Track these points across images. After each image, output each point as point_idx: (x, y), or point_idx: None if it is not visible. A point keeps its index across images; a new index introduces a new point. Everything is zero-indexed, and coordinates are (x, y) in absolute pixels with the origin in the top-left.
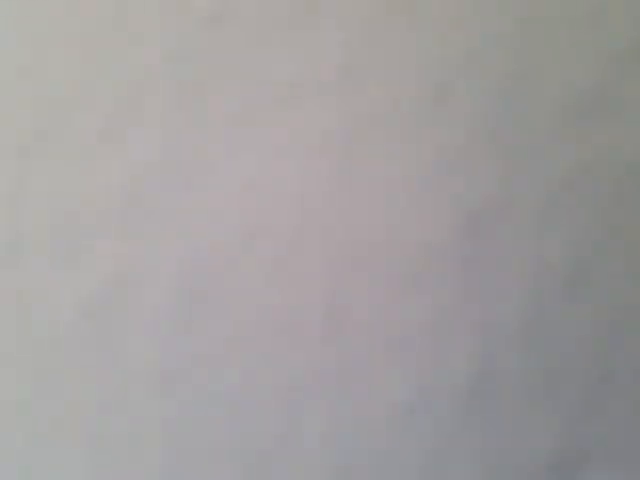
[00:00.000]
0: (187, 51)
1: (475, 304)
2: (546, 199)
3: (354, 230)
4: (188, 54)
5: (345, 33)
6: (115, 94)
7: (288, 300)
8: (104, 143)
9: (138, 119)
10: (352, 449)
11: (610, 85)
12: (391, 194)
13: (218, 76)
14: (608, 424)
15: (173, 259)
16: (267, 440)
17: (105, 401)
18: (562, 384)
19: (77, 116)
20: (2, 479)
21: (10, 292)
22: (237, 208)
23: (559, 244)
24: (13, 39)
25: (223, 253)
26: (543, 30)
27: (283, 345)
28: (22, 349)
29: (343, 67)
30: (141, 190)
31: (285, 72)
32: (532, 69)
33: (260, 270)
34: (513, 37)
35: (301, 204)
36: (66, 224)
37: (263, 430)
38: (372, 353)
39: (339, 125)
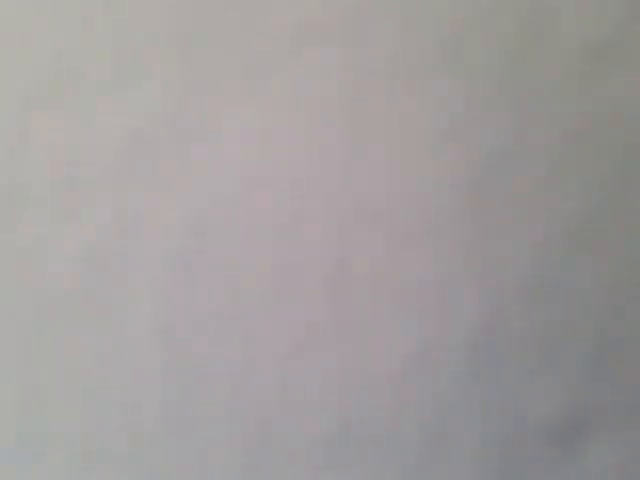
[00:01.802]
0: (187, 3)
1: (478, 258)
2: (554, 151)
3: (356, 186)
4: (189, 5)
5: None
6: (116, 46)
7: (289, 256)
8: (105, 95)
9: (139, 71)
10: (354, 404)
11: (624, 35)
12: (392, 159)
13: (219, 27)
14: (610, 389)
15: (173, 213)
16: (267, 395)
17: (104, 352)
18: (565, 342)
19: (78, 68)
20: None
21: (10, 244)
22: (238, 162)
23: (567, 197)
24: (14, 5)
25: (224, 207)
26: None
27: (284, 300)
28: (22, 302)
29: (347, 18)
30: (142, 143)
31: (287, 23)
32: (543, 18)
33: (261, 225)
34: None
35: (303, 159)
36: (67, 176)
37: (263, 385)
38: (374, 308)
39: (341, 79)
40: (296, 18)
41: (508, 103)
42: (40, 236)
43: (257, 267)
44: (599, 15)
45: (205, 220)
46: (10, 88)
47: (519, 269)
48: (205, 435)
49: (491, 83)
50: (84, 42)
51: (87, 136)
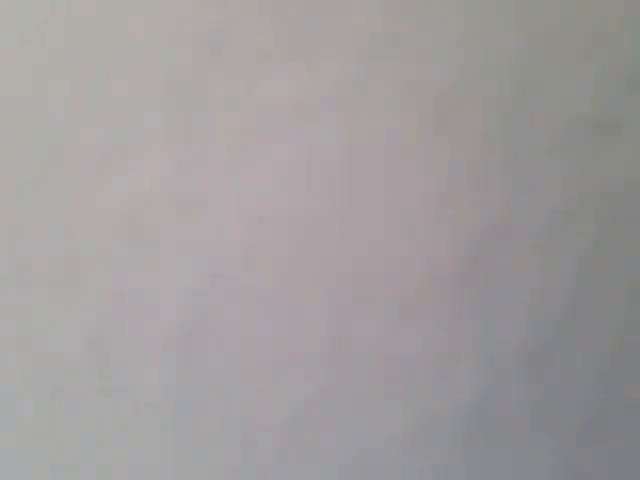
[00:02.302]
0: (187, 77)
1: (475, 335)
2: (546, 228)
3: (355, 260)
4: (188, 80)
5: (350, 48)
6: (117, 112)
7: (288, 331)
8: (104, 174)
9: (138, 137)
10: (354, 475)
11: (617, 102)
12: (391, 224)
13: (218, 103)
14: (608, 457)
15: (173, 289)
16: (267, 459)
17: (105, 431)
18: (562, 416)
19: (77, 147)
20: None
21: (11, 322)
22: (237, 238)
23: (560, 274)
24: (11, 68)
25: (223, 285)
26: (544, 53)
27: (283, 377)
28: (22, 382)
29: (346, 83)
30: (141, 220)
31: (285, 95)
32: (542, 88)
33: (261, 300)
34: (523, 57)
35: (303, 233)
36: (66, 256)
37: (264, 462)
38: (373, 384)
39: (340, 145)
40: (295, 89)
41: (504, 170)
42: (40, 316)
43: (256, 343)
44: (585, 92)
45: (204, 297)
46: (8, 163)
47: (512, 344)
48: None
49: (481, 163)
50: (82, 119)
51: (86, 214)
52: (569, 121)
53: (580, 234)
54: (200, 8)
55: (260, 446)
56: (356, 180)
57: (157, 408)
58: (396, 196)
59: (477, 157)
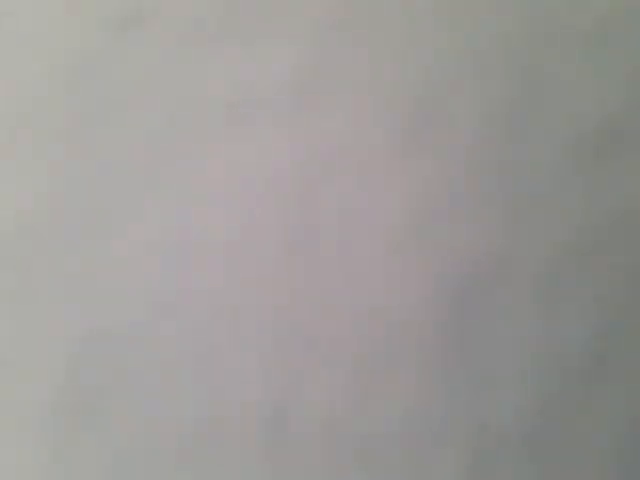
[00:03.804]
0: (103, 62)
1: (461, 398)
2: (542, 271)
3: (314, 310)
4: (106, 65)
5: (299, 48)
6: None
7: (220, 410)
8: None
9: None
10: None
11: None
12: (377, 263)
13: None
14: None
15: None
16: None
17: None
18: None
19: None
20: None
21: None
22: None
23: (557, 325)
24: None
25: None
26: (544, 74)
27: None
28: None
29: (294, 95)
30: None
31: (223, 90)
32: (535, 122)
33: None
34: (515, 85)
35: (240, 258)
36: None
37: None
38: (339, 464)
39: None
40: (236, 84)
41: (488, 217)
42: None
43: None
44: (591, 107)
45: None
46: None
47: (503, 418)
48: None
49: (470, 194)
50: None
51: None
52: (569, 146)
53: (581, 276)
54: None
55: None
56: (315, 195)
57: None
58: (380, 241)
59: (467, 190)
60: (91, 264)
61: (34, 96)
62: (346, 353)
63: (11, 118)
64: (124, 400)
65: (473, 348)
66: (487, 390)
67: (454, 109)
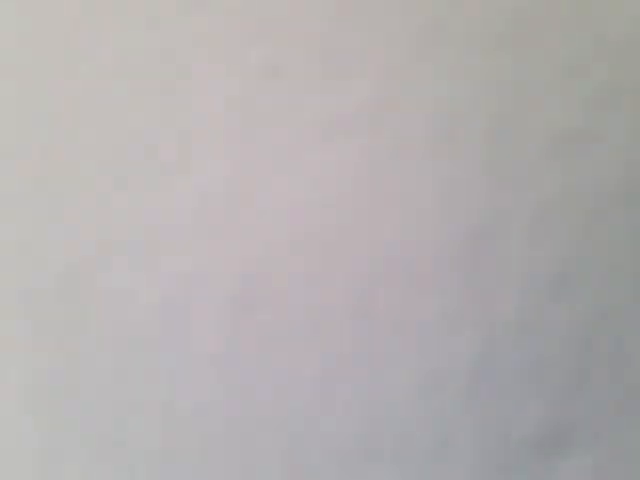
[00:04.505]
0: (248, 98)
1: (476, 306)
2: (534, 219)
3: (373, 246)
4: (248, 100)
5: (371, 80)
6: (179, 129)
7: (319, 300)
8: (170, 174)
9: (203, 153)
10: (366, 423)
11: (593, 119)
12: (405, 219)
13: (271, 118)
14: (591, 408)
15: (228, 273)
16: (300, 412)
17: (173, 383)
18: (549, 373)
19: (148, 145)
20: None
21: (91, 294)
22: (284, 227)
23: (546, 257)
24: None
25: (270, 262)
26: (537, 79)
27: (313, 340)
28: (101, 346)
29: (367, 109)
30: (203, 213)
31: (320, 113)
32: (524, 105)
33: (297, 279)
34: (499, 85)
35: (332, 224)
36: (139, 239)
37: (304, 401)
38: (390, 344)
39: (363, 159)
40: (328, 109)
41: (493, 176)
42: (121, 284)
43: (291, 313)
44: (568, 106)
45: (253, 277)
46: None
47: (508, 310)
48: (251, 448)
49: (478, 163)
50: (149, 124)
51: (161, 210)
52: (553, 131)
53: (562, 225)
54: (258, 41)
55: (290, 399)
56: (376, 184)
57: (215, 362)
58: (406, 196)
59: (475, 161)
60: None
61: (208, 113)
62: (401, 272)
63: (191, 129)
64: None
65: (483, 269)
66: (493, 297)
67: (466, 123)
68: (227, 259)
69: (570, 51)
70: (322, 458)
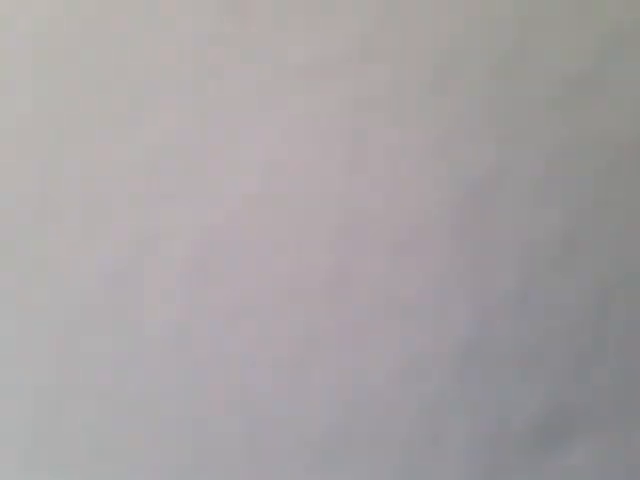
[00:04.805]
0: (203, 36)
1: (472, 272)
2: (540, 172)
3: (356, 200)
4: (204, 39)
5: (357, 22)
6: (132, 80)
7: (290, 268)
8: (123, 127)
9: (154, 104)
10: (351, 405)
11: (594, 67)
12: (392, 169)
13: (234, 61)
14: (593, 392)
15: (188, 230)
16: (269, 394)
17: (123, 357)
18: (551, 352)
19: (100, 100)
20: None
21: (29, 258)
22: (251, 180)
23: (552, 214)
24: (29, 33)
25: (236, 226)
26: (530, 14)
27: (284, 312)
28: (51, 313)
29: (353, 53)
30: (158, 169)
31: (298, 56)
32: (520, 54)
33: (268, 238)
34: (501, 23)
35: (309, 177)
36: (91, 198)
37: (265, 385)
38: (372, 320)
39: (347, 105)
40: (307, 53)
41: (493, 127)
42: (65, 253)
43: (264, 279)
44: (576, 48)
45: (216, 237)
46: (43, 117)
47: (505, 283)
48: (208, 432)
49: (478, 111)
50: (101, 76)
51: (113, 154)
52: (555, 75)
53: (568, 184)
54: None
55: (259, 383)
56: (360, 129)
57: (170, 334)
58: (397, 145)
59: (474, 107)
60: None
61: (158, 57)
62: (383, 235)
63: (140, 88)
64: None
65: (480, 229)
66: (489, 265)
67: (464, 64)
68: (182, 225)
69: None
70: (290, 446)
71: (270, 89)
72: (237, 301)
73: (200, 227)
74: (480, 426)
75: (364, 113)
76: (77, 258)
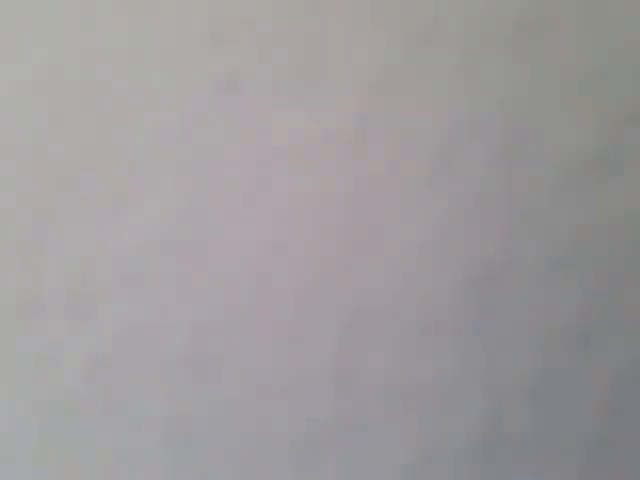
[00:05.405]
0: (202, 115)
1: (478, 368)
2: (548, 262)
3: (360, 294)
4: (203, 118)
5: (351, 96)
6: (130, 159)
7: (294, 364)
8: (118, 208)
9: (153, 184)
10: None
11: (610, 147)
12: (395, 260)
13: (233, 140)
14: (620, 477)
15: (187, 323)
16: None
17: (118, 450)
18: (569, 447)
19: (92, 180)
20: None
21: (25, 355)
22: (248, 273)
23: (572, 299)
24: (26, 103)
25: (236, 312)
26: (544, 94)
27: (287, 409)
28: (38, 409)
29: (354, 133)
30: (155, 255)
31: (298, 136)
32: (533, 133)
33: (268, 332)
34: (514, 101)
35: (311, 268)
36: (81, 288)
37: (275, 476)
38: (378, 415)
39: (348, 189)
40: (308, 131)
41: (505, 209)
42: (55, 346)
43: (261, 377)
44: (585, 129)
45: (216, 331)
46: (25, 199)
47: (520, 369)
48: None
49: (483, 197)
50: (98, 154)
51: (99, 247)
52: (570, 155)
53: (582, 268)
54: (217, 51)
55: (273, 463)
56: (360, 218)
57: (159, 440)
58: (399, 232)
59: (478, 191)
60: None
61: (157, 132)
62: (389, 328)
63: (138, 167)
64: None
65: (487, 323)
66: (499, 355)
67: (469, 146)
68: (179, 312)
69: (587, 64)
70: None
71: (267, 174)
72: (232, 397)
73: (195, 321)
74: None
75: (364, 195)
76: (69, 354)
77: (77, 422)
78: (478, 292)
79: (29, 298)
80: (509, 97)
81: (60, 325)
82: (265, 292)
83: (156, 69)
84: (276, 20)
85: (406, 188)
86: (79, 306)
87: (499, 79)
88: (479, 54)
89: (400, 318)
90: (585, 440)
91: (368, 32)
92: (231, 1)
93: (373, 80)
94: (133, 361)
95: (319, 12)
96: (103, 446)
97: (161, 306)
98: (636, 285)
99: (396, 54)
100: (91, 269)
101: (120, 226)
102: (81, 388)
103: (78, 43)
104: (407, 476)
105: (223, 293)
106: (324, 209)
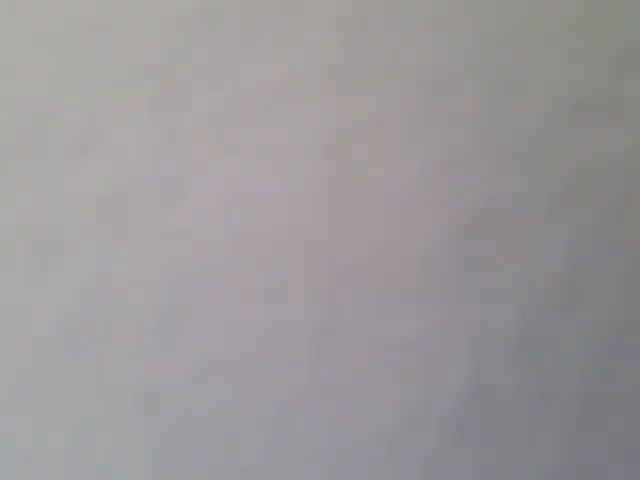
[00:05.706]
0: (171, 60)
1: (468, 318)
2: (544, 203)
3: (340, 245)
4: (172, 63)
5: (334, 32)
6: (99, 95)
7: (274, 315)
8: (87, 148)
9: (121, 121)
10: (338, 467)
11: (608, 87)
12: (377, 209)
13: (203, 77)
14: (605, 441)
15: (157, 272)
16: (251, 458)
17: (87, 415)
18: (558, 401)
19: (58, 117)
20: None
21: None
22: (221, 216)
23: (558, 250)
24: None
25: (207, 265)
26: (541, 32)
27: (268, 363)
28: (6, 360)
29: (331, 67)
30: (123, 197)
31: (271, 72)
32: (530, 72)
33: (245, 283)
34: (511, 40)
35: (287, 209)
36: (46, 239)
37: (248, 448)
38: (360, 370)
39: (326, 127)
40: (281, 68)
41: (492, 153)
42: (19, 300)
43: (242, 330)
44: (583, 67)
45: (188, 280)
46: None
47: (504, 331)
48: None
49: (477, 135)
50: (66, 91)
51: (67, 195)
52: (555, 105)
53: (567, 217)
54: None
55: (243, 440)
56: (341, 165)
57: (128, 391)
58: (381, 181)
59: (473, 130)
60: None
61: (124, 80)
62: (370, 280)
63: (106, 101)
64: None
65: (472, 276)
66: (484, 308)
67: (463, 82)
68: (149, 268)
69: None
70: None
71: (239, 117)
72: (212, 351)
73: (169, 273)
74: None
75: (345, 143)
76: (34, 307)
77: (45, 373)
78: (462, 243)
79: None
80: (498, 32)
81: (27, 277)
82: (241, 245)
83: (123, 3)
84: None
85: (390, 125)
86: (45, 257)
87: (489, 13)
88: None
89: (383, 271)
90: (569, 403)
91: None
92: None
93: (357, 15)
94: (101, 312)
95: None
96: (71, 397)
97: (129, 257)
98: (622, 236)
99: None
100: (57, 219)
101: (86, 175)
102: (49, 340)
103: None
104: (397, 430)
105: (195, 244)
106: (308, 149)
